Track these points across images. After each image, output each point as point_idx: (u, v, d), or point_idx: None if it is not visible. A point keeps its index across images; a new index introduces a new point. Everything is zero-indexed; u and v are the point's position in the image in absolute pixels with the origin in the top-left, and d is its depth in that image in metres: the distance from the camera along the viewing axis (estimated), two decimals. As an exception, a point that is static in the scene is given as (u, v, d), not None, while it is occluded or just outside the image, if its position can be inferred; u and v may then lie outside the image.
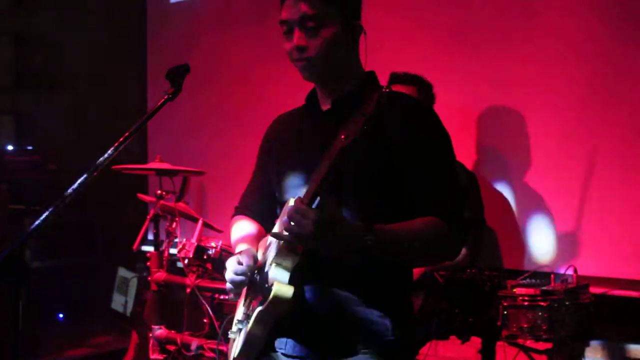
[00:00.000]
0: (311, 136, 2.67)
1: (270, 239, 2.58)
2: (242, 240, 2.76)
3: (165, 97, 2.74)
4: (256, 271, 2.56)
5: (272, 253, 2.50)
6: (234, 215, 2.94)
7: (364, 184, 2.49)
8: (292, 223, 2.26)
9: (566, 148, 5.05)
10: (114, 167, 5.08)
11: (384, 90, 2.25)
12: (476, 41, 5.40)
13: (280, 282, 2.42)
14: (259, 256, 2.60)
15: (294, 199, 2.32)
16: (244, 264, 2.54)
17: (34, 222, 2.60)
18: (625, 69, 4.85)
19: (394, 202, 2.52)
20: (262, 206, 2.84)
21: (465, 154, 5.14)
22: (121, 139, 2.67)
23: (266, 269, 2.50)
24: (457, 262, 4.39)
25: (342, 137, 2.22)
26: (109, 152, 2.65)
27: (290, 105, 2.91)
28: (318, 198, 2.29)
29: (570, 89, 5.04)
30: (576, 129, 5.01)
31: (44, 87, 8.38)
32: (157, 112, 2.76)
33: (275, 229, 2.55)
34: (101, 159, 2.63)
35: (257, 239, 2.73)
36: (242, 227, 2.84)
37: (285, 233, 2.32)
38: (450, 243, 2.52)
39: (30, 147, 7.83)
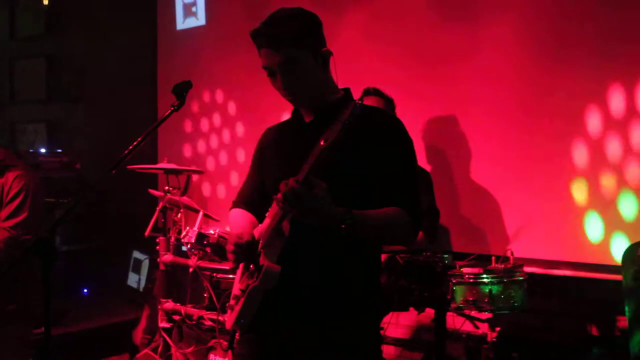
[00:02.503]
0: (297, 144, 2.65)
1: (262, 227, 2.58)
2: (239, 226, 2.74)
3: (172, 108, 2.73)
4: (253, 249, 2.56)
5: (263, 238, 2.51)
6: (231, 208, 2.93)
7: (340, 178, 2.47)
8: (287, 196, 2.26)
9: (501, 152, 5.09)
10: (129, 167, 5.06)
11: (357, 102, 2.25)
12: (430, 65, 5.44)
13: (269, 262, 2.43)
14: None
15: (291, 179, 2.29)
16: (244, 239, 2.55)
17: (63, 213, 2.60)
18: (543, 90, 4.91)
19: (363, 194, 2.52)
20: (255, 200, 2.83)
21: (421, 157, 5.16)
22: (135, 143, 2.66)
23: (258, 251, 2.51)
24: (417, 243, 4.40)
25: (322, 142, 2.21)
26: (125, 153, 2.65)
27: (277, 116, 2.92)
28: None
29: (503, 104, 5.09)
30: (509, 135, 5.06)
31: (71, 100, 8.36)
32: (165, 120, 2.75)
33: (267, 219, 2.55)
34: (118, 159, 2.62)
35: (252, 226, 2.71)
36: (239, 216, 2.83)
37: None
38: (410, 229, 2.52)
39: (59, 150, 7.79)
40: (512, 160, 5.04)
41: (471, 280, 4.08)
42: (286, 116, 2.86)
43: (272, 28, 2.54)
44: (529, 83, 4.96)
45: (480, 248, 5.01)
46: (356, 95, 2.84)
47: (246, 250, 2.54)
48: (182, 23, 7.37)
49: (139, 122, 6.95)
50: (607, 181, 4.66)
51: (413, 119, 4.95)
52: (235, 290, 2.65)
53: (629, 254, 4.10)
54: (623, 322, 4.38)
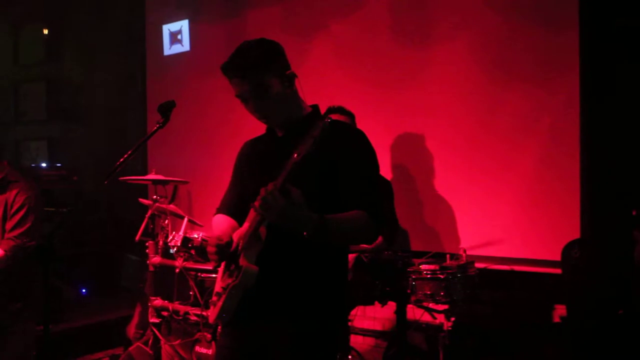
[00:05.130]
0: (271, 156, 2.65)
1: (241, 231, 2.57)
2: (220, 229, 2.73)
3: (157, 125, 2.71)
4: (232, 249, 2.54)
5: (242, 241, 2.50)
6: (215, 214, 2.92)
7: (311, 187, 2.47)
8: (266, 201, 2.27)
9: (456, 162, 5.12)
10: (121, 178, 5.01)
11: (326, 120, 2.25)
12: (391, 84, 5.46)
13: (248, 263, 2.43)
14: (234, 242, 2.58)
15: (270, 184, 2.30)
16: (223, 241, 2.53)
17: (62, 221, 2.58)
18: (494, 103, 4.96)
19: (332, 199, 2.51)
20: (235, 207, 2.81)
21: (383, 166, 5.15)
22: (124, 157, 2.65)
23: (238, 253, 2.50)
24: (377, 246, 4.39)
25: (295, 155, 2.22)
26: (116, 166, 2.63)
27: (253, 131, 2.90)
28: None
29: (456, 117, 5.12)
30: (462, 146, 5.09)
31: (69, 119, 8.29)
32: (150, 137, 2.74)
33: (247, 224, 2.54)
34: (110, 171, 2.60)
35: (232, 230, 2.70)
36: (221, 222, 2.81)
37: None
38: (372, 230, 2.52)
39: (59, 164, 7.73)
40: (465, 169, 5.07)
41: (428, 276, 4.08)
42: (262, 131, 2.85)
43: (238, 59, 2.56)
44: (480, 100, 5.01)
45: (437, 247, 5.03)
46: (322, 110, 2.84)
47: (225, 251, 2.52)
48: (169, 49, 7.36)
49: (131, 138, 6.91)
50: (547, 187, 4.70)
51: (375, 132, 4.94)
52: (217, 287, 2.64)
53: (567, 251, 4.14)
54: (561, 310, 4.41)
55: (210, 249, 2.56)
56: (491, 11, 4.95)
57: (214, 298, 2.62)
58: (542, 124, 4.73)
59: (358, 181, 2.54)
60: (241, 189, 2.81)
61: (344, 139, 2.58)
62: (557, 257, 4.34)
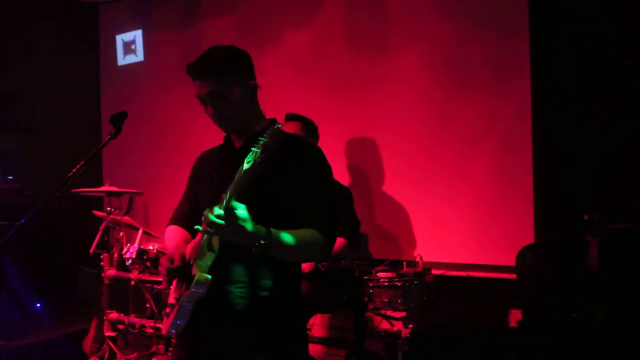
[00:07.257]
0: (227, 166, 2.62)
1: (194, 243, 2.56)
2: (174, 243, 2.72)
3: (109, 136, 2.70)
4: (184, 266, 2.53)
5: (195, 252, 2.49)
6: (168, 225, 2.90)
7: (260, 198, 2.46)
8: (213, 219, 2.24)
9: (411, 169, 5.16)
10: (74, 190, 4.96)
11: (276, 127, 2.25)
12: (347, 93, 5.48)
13: (200, 273, 2.41)
14: (187, 255, 2.57)
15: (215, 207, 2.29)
16: (175, 261, 2.51)
17: (15, 234, 2.55)
18: (446, 115, 5.01)
19: (282, 212, 2.51)
20: (189, 218, 2.79)
21: (341, 174, 5.19)
22: (76, 168, 2.64)
23: (191, 264, 2.49)
24: (341, 251, 4.40)
25: (246, 164, 2.21)
26: (68, 177, 2.62)
27: (209, 141, 2.90)
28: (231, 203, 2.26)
29: (411, 125, 5.17)
30: (417, 153, 5.14)
31: (22, 131, 8.16)
32: (102, 148, 2.73)
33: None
34: (61, 183, 2.59)
35: (185, 242, 2.69)
36: (174, 233, 2.80)
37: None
38: (323, 248, 2.54)
39: (10, 177, 7.60)
40: (421, 176, 5.11)
41: (386, 284, 4.11)
42: (219, 141, 2.85)
43: (202, 62, 2.57)
44: (435, 108, 5.06)
45: (394, 254, 5.05)
46: (280, 120, 2.85)
47: (177, 272, 2.51)
48: (123, 59, 7.30)
49: (85, 150, 6.81)
50: (501, 192, 4.77)
51: (330, 141, 4.99)
52: (171, 299, 2.62)
53: (521, 256, 4.20)
54: (517, 315, 4.47)
55: (162, 270, 2.55)
56: (443, 20, 5.02)
57: (167, 309, 2.61)
58: (496, 131, 4.79)
59: (310, 199, 2.55)
60: (195, 200, 2.80)
61: (296, 153, 2.58)
62: (512, 262, 4.40)
